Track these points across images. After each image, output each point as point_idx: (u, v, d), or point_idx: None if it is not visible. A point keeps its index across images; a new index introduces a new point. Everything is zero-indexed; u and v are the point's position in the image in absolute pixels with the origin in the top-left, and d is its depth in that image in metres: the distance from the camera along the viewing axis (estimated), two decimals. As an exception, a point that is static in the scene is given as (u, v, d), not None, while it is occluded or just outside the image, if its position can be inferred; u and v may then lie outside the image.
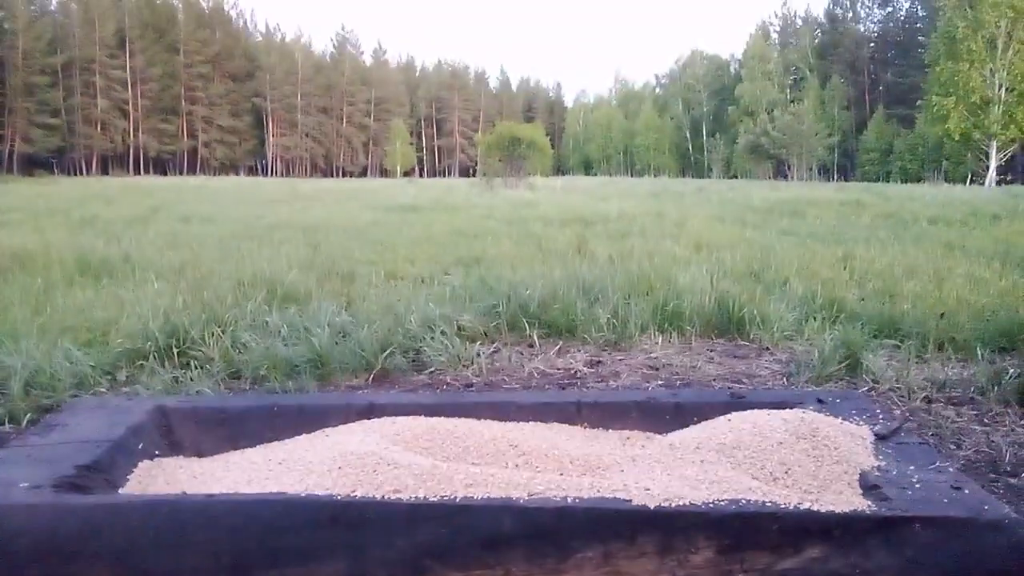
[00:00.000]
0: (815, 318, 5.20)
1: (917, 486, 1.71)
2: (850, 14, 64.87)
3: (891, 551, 1.57)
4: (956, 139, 24.77)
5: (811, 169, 50.83)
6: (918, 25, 60.59)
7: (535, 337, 4.78)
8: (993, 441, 3.21)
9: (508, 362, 4.39)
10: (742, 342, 4.92)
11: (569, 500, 1.63)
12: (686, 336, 4.92)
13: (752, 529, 1.59)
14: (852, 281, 6.34)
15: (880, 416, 2.12)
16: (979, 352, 4.35)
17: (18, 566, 1.60)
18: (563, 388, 3.95)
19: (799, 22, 67.05)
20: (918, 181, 28.29)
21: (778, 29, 67.65)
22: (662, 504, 1.61)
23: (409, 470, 1.76)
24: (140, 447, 2.07)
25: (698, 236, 9.16)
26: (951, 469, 1.81)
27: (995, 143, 24.45)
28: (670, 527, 1.60)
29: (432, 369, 4.20)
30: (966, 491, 1.69)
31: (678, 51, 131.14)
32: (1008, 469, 2.91)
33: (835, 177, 45.84)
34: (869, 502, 1.64)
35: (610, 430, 2.22)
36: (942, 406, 3.66)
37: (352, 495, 1.67)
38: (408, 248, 8.51)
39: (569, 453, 2.05)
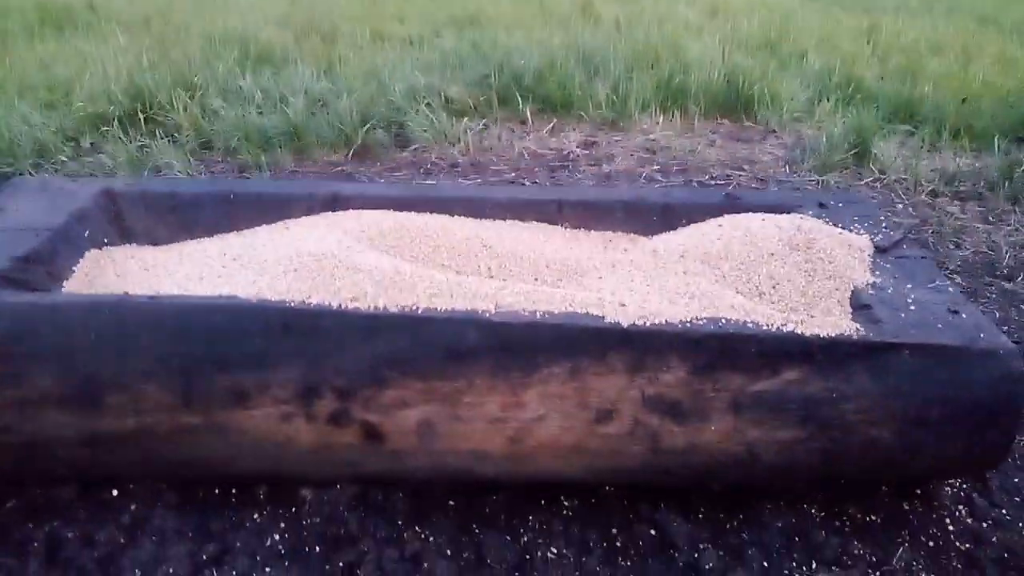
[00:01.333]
0: (829, 98, 4.86)
1: (912, 307, 1.59)
2: None
3: (874, 377, 1.48)
4: None
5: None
6: None
7: (528, 113, 4.48)
8: (994, 241, 3.09)
9: (498, 140, 4.14)
10: (748, 123, 4.64)
11: (538, 315, 1.52)
12: (689, 116, 4.62)
13: (729, 350, 1.49)
14: (874, 57, 5.88)
15: (884, 224, 1.96)
16: (996, 143, 4.11)
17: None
18: (553, 171, 3.76)
19: None
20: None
21: None
22: (636, 322, 1.50)
23: (369, 275, 1.63)
24: (87, 235, 1.92)
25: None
26: (950, 289, 1.68)
27: None
28: (642, 346, 1.50)
29: (416, 146, 3.97)
30: (963, 315, 1.57)
31: None
32: (1005, 272, 2.82)
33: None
34: (857, 324, 1.53)
35: (592, 231, 2.06)
36: (947, 200, 3.50)
37: (307, 302, 1.55)
38: (398, 2, 7.84)
39: (546, 256, 1.91)
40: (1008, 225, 3.23)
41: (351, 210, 2.03)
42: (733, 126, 4.64)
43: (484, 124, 4.31)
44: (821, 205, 2.04)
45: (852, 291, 1.68)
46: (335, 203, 2.05)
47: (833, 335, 1.48)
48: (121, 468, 1.67)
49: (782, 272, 1.72)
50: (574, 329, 1.50)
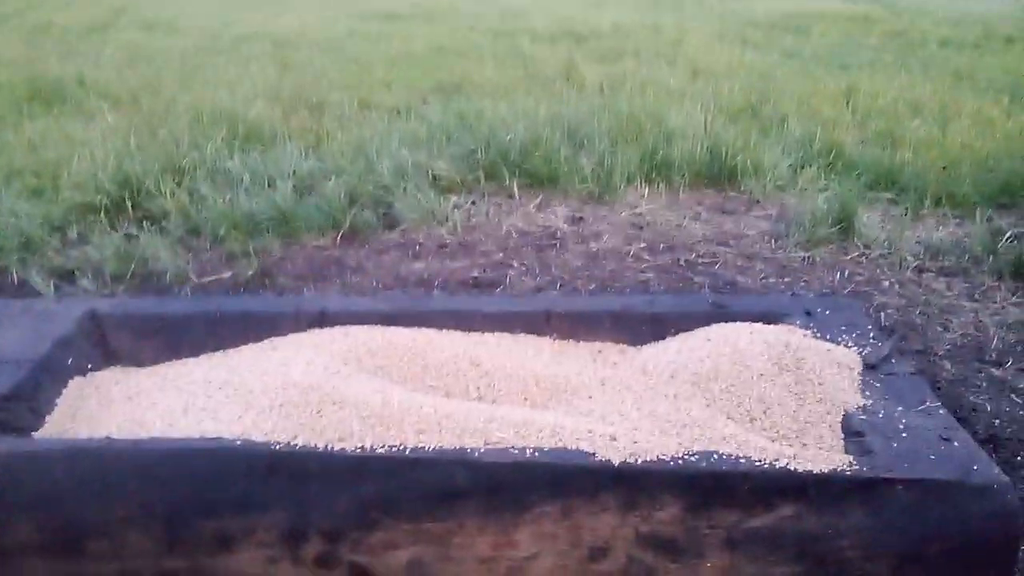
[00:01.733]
0: (811, 164, 4.93)
1: (903, 435, 1.59)
2: None
3: (869, 512, 1.47)
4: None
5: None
6: None
7: (515, 187, 4.52)
8: (982, 321, 3.11)
9: (485, 218, 4.16)
10: (732, 193, 4.68)
11: (528, 453, 1.50)
12: (674, 187, 4.67)
13: (723, 487, 1.48)
14: (853, 120, 5.98)
15: (871, 334, 1.97)
16: (977, 213, 4.16)
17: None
18: (540, 251, 3.77)
19: None
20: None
21: None
22: (627, 460, 1.49)
23: (356, 411, 1.62)
24: (70, 362, 1.90)
25: (695, 59, 8.56)
26: (941, 412, 1.68)
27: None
28: (635, 485, 1.49)
29: (404, 226, 3.99)
30: (955, 443, 1.57)
31: None
32: (994, 357, 2.83)
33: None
34: (850, 457, 1.52)
35: (580, 342, 2.06)
36: (933, 277, 3.53)
37: (293, 443, 1.53)
38: (385, 68, 7.94)
39: (535, 372, 1.91)
40: (994, 303, 3.26)
41: (338, 327, 2.02)
42: (717, 196, 4.68)
43: (472, 201, 4.34)
44: (808, 313, 2.05)
45: (843, 415, 1.67)
46: (322, 320, 2.04)
47: (826, 471, 1.48)
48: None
49: (772, 395, 1.71)
50: (564, 468, 1.49)
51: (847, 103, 6.54)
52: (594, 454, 1.51)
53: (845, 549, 1.49)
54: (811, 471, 1.47)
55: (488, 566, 1.55)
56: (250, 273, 3.40)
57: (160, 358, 2.03)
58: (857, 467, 1.49)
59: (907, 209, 4.30)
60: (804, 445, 1.61)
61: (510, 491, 1.49)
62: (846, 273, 3.54)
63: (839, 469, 1.48)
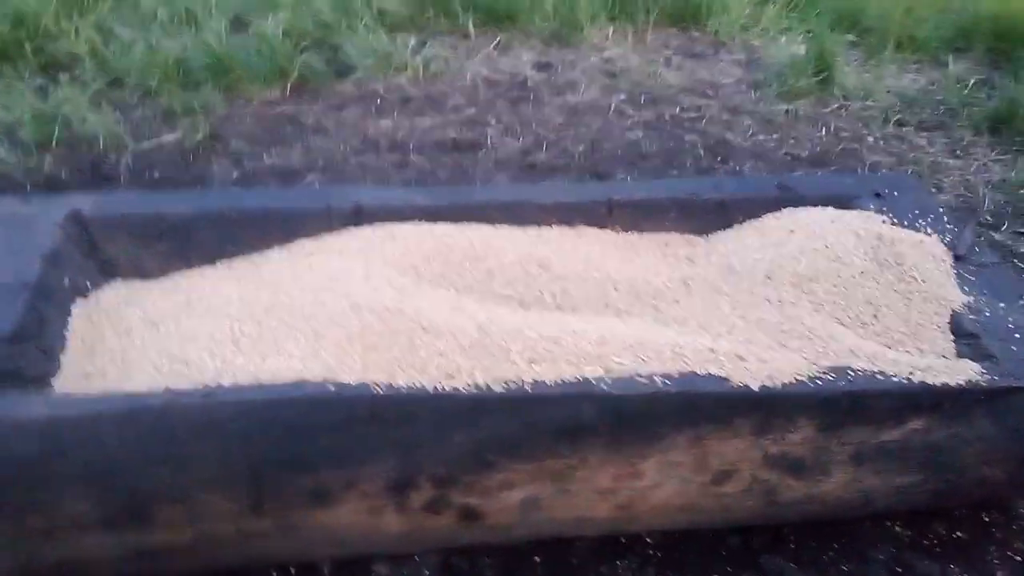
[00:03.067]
0: (772, 2, 4.70)
1: (1016, 336, 1.55)
2: None
3: (995, 420, 1.45)
4: None
5: None
6: None
7: (471, 27, 4.08)
8: (969, 180, 3.13)
9: (445, 64, 3.76)
10: (696, 34, 4.42)
11: (657, 383, 1.36)
12: (639, 28, 4.35)
13: (860, 407, 1.40)
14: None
15: (945, 218, 1.89)
16: (939, 56, 4.13)
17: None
18: (515, 104, 3.46)
19: None
20: None
21: None
22: (765, 384, 1.38)
23: (455, 340, 1.41)
24: (66, 282, 1.56)
25: None
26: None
27: None
28: (771, 410, 1.39)
29: (358, 75, 3.55)
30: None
31: None
32: (990, 220, 2.86)
33: None
34: (977, 366, 1.46)
35: (645, 234, 1.88)
36: (913, 132, 3.49)
37: (396, 386, 1.31)
38: None
39: (609, 274, 1.73)
40: (976, 160, 3.27)
41: (377, 226, 1.76)
42: (683, 37, 4.42)
43: (424, 42, 3.90)
44: (877, 195, 1.94)
45: (951, 315, 1.61)
46: (358, 217, 1.76)
47: (963, 383, 1.42)
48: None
49: (879, 296, 1.62)
50: (698, 398, 1.37)
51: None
52: (727, 379, 1.38)
53: (968, 456, 1.48)
54: (948, 384, 1.41)
55: (606, 497, 1.45)
56: (198, 137, 2.95)
57: (167, 268, 1.71)
58: (988, 376, 1.43)
59: (873, 54, 4.20)
60: (920, 351, 1.55)
61: (640, 424, 1.37)
62: (831, 128, 3.45)
63: (973, 381, 1.42)
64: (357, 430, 1.31)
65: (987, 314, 1.61)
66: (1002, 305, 1.64)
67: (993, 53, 4.33)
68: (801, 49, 4.09)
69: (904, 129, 3.50)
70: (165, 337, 1.50)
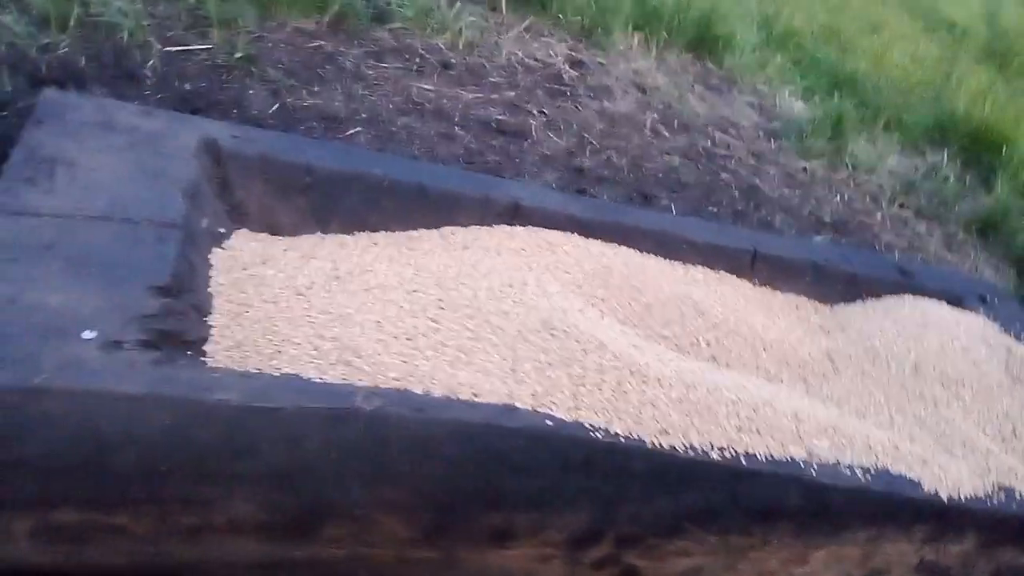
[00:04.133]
0: (777, 52, 4.79)
1: None
2: None
3: None
4: None
5: None
6: None
7: (503, 2, 3.87)
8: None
9: (480, 35, 3.54)
10: (711, 66, 4.43)
11: (862, 478, 1.30)
12: (660, 46, 4.30)
13: (1019, 528, 1.41)
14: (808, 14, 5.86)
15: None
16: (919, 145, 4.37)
17: (120, 480, 0.98)
18: (554, 98, 3.32)
19: None
20: None
21: None
22: (953, 496, 1.36)
23: (662, 390, 1.28)
24: (205, 225, 1.30)
25: None
26: None
27: None
28: (949, 521, 1.37)
29: (395, 25, 3.27)
30: None
31: None
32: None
33: None
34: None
35: (778, 292, 1.83)
36: (913, 217, 3.66)
37: (615, 435, 1.18)
38: None
39: (758, 333, 1.66)
40: (969, 258, 3.46)
41: (533, 230, 1.60)
42: (699, 66, 4.40)
43: (460, 4, 3.66)
44: (983, 299, 1.98)
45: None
46: (516, 213, 1.59)
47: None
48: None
49: (1015, 412, 1.65)
50: (898, 500, 1.32)
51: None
52: (920, 484, 1.35)
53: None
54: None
55: (764, 577, 1.39)
56: (234, 56, 2.61)
57: (300, 227, 1.47)
58: None
59: (865, 127, 4.37)
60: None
61: (833, 516, 1.31)
62: (845, 197, 3.55)
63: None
64: (569, 476, 1.16)
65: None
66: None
67: (967, 152, 4.61)
68: (802, 105, 4.20)
69: (905, 213, 3.66)
70: (320, 312, 1.28)
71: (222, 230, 1.36)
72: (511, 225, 1.59)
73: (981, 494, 1.39)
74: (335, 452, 1.06)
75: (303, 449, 1.03)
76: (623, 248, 1.66)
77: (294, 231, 1.45)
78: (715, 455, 1.23)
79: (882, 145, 4.14)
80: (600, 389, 1.27)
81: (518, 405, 1.17)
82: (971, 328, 1.79)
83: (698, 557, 1.32)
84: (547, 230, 1.60)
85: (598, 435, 1.17)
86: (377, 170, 1.52)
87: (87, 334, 1.02)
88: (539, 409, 1.18)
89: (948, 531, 1.37)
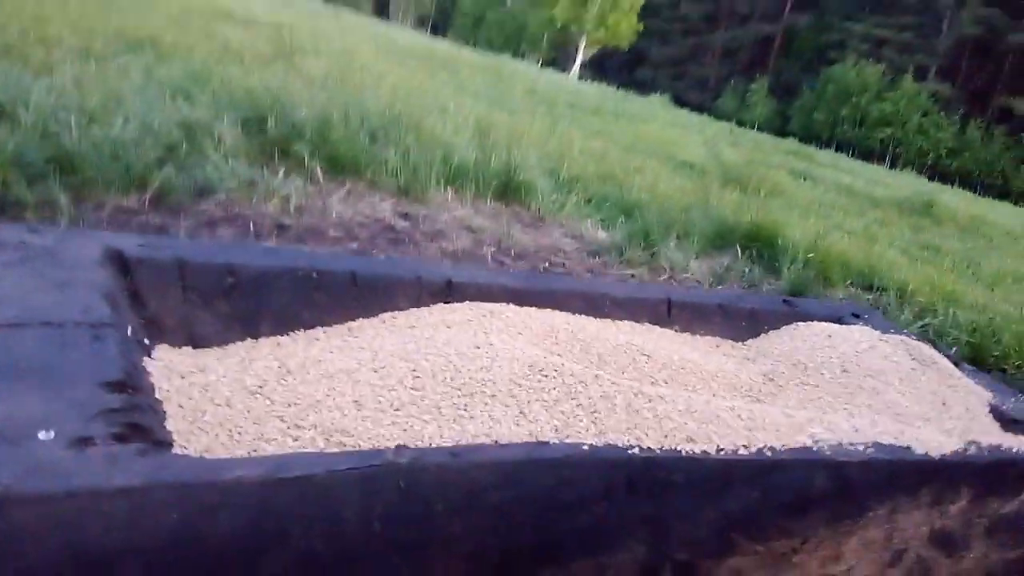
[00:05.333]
0: (570, 193, 5.24)
1: (1036, 422, 1.78)
2: None
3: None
4: (559, 26, 27.02)
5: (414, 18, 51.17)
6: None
7: (318, 170, 3.93)
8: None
9: (306, 201, 3.53)
10: (518, 208, 4.74)
11: (863, 449, 1.32)
12: (472, 196, 4.54)
13: (997, 476, 1.48)
14: (573, 155, 6.52)
15: (908, 335, 2.17)
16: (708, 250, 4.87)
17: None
18: (395, 245, 3.34)
19: None
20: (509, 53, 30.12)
21: None
22: (944, 453, 1.41)
23: (674, 408, 1.24)
24: (130, 333, 1.10)
25: (385, 70, 8.46)
26: (1025, 399, 1.92)
27: (585, 39, 27.36)
28: (946, 478, 1.41)
29: (220, 197, 3.18)
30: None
31: None
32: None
33: (432, 32, 46.55)
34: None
35: (698, 335, 1.88)
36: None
37: (649, 449, 1.10)
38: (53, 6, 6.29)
39: (701, 366, 1.68)
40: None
41: (474, 303, 1.54)
42: (509, 211, 4.68)
43: (268, 175, 3.65)
44: (856, 316, 2.18)
45: (989, 406, 1.81)
46: (449, 291, 1.53)
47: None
48: None
49: (940, 391, 1.77)
50: (903, 464, 1.35)
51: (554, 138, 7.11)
52: (911, 449, 1.39)
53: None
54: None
55: (805, 588, 1.32)
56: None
57: (227, 336, 1.30)
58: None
59: (660, 241, 4.82)
60: (989, 432, 1.70)
61: (854, 494, 1.30)
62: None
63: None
64: (613, 503, 1.07)
65: (1011, 403, 1.83)
66: (1012, 399, 1.88)
67: (749, 248, 5.21)
68: (604, 232, 4.58)
69: (727, 298, 4.00)
70: (286, 406, 1.12)
71: (146, 340, 1.16)
72: (447, 303, 1.52)
73: (959, 450, 1.46)
74: (378, 522, 0.88)
75: (340, 520, 0.85)
76: (567, 315, 1.65)
77: (220, 340, 1.28)
78: (743, 452, 1.19)
79: (685, 250, 4.56)
80: (615, 412, 1.20)
81: (548, 440, 1.07)
82: (864, 335, 1.94)
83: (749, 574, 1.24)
84: (484, 303, 1.55)
85: (635, 451, 1.09)
86: (304, 264, 1.40)
87: (44, 435, 0.80)
88: (567, 440, 1.09)
89: (947, 489, 1.41)
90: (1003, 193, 29.09)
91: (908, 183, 15.33)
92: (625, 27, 27.15)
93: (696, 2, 46.27)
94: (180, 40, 6.51)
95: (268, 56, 6.90)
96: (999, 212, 14.52)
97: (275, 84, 4.97)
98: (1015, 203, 22.86)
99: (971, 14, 37.11)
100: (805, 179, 10.51)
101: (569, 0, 26.31)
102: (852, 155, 26.57)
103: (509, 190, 4.82)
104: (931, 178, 21.90)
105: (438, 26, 59.31)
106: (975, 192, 22.17)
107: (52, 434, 0.80)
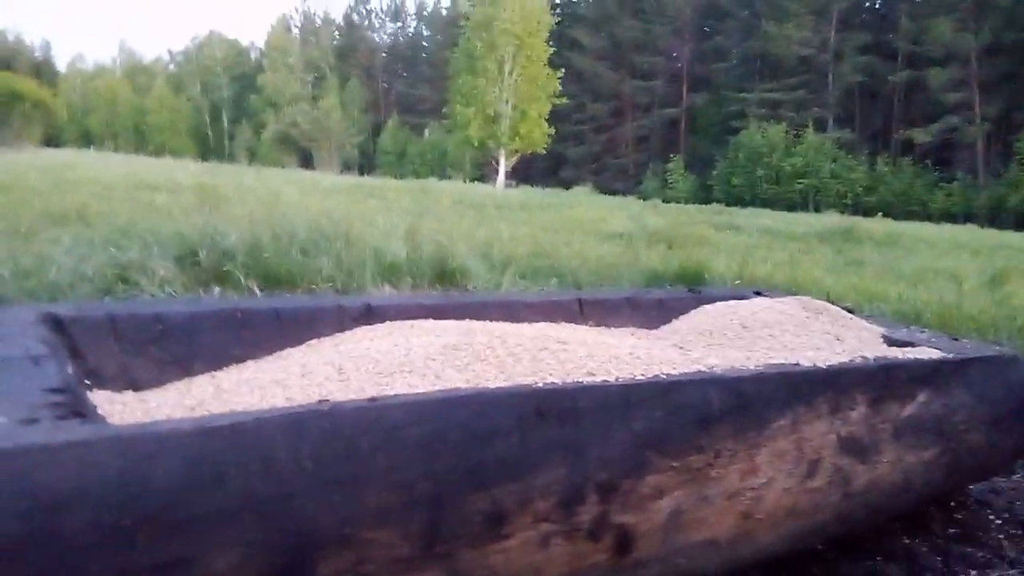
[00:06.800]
0: (500, 271, 5.47)
1: (934, 340, 1.95)
2: (366, 22, 69.08)
3: (967, 390, 1.77)
4: (476, 145, 28.17)
5: (339, 164, 52.76)
6: (424, 43, 67.41)
7: (256, 288, 4.06)
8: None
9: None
10: (456, 290, 4.91)
11: (754, 367, 1.46)
12: (410, 287, 4.71)
13: (890, 381, 1.63)
14: (504, 241, 6.80)
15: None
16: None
17: (76, 552, 0.82)
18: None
19: (319, 21, 68.84)
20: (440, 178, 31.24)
21: (299, 24, 68.44)
22: (831, 364, 1.56)
23: (575, 351, 1.38)
24: (71, 372, 1.20)
25: (312, 204, 8.76)
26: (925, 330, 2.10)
27: (504, 152, 28.53)
28: (838, 386, 1.55)
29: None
30: (965, 343, 1.99)
31: (193, 29, 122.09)
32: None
33: (359, 173, 48.01)
34: (938, 352, 1.80)
35: (612, 327, 2.03)
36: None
37: (552, 384, 1.23)
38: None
39: (616, 347, 1.82)
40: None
41: (397, 323, 1.68)
42: (449, 291, 4.85)
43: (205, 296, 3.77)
44: (758, 293, 2.36)
45: (882, 336, 1.98)
46: (369, 316, 1.67)
47: (943, 357, 1.74)
48: None
49: (834, 329, 1.95)
50: (794, 375, 1.49)
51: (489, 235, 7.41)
52: (799, 364, 1.54)
53: (960, 424, 1.76)
54: (933, 358, 1.72)
55: (734, 503, 1.44)
56: None
57: (162, 377, 1.41)
58: (952, 354, 1.78)
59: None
60: (879, 351, 1.86)
61: (753, 408, 1.44)
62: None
63: (947, 356, 1.75)
64: (530, 430, 1.19)
65: (903, 332, 2.01)
66: (907, 328, 2.06)
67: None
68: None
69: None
70: (230, 409, 1.23)
71: (88, 381, 1.26)
72: (370, 326, 1.65)
73: (847, 361, 1.61)
74: (308, 461, 0.99)
75: (273, 464, 0.95)
76: (474, 321, 1.78)
77: (157, 382, 1.38)
78: (640, 378, 1.32)
79: (620, 299, 4.77)
80: (521, 362, 1.32)
81: (462, 386, 1.19)
82: (762, 302, 2.12)
83: (673, 495, 1.33)
84: (411, 321, 1.68)
85: (539, 385, 1.22)
86: (227, 306, 1.52)
87: (-1, 419, 0.90)
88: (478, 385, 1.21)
89: (842, 396, 1.54)
90: (926, 217, 30.62)
91: (829, 220, 16.14)
92: (538, 134, 28.49)
93: (601, 102, 48.87)
94: (105, 208, 6.72)
95: (194, 208, 7.12)
96: (917, 228, 15.31)
97: (203, 224, 5.16)
98: (936, 223, 24.09)
99: (850, 65, 39.92)
100: (729, 230, 11.03)
101: (481, 120, 27.59)
102: (776, 209, 27.84)
103: (445, 275, 5.02)
104: (854, 215, 23.04)
105: (364, 167, 61.10)
106: (898, 220, 23.35)
107: (2, 419, 0.90)
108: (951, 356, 1.77)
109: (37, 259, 3.74)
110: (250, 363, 1.48)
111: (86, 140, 61.83)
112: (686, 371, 1.42)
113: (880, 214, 24.71)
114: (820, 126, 40.21)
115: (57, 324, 1.34)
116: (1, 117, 24.64)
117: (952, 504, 1.93)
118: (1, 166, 14.07)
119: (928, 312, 4.25)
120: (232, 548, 0.93)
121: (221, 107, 64.89)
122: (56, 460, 0.84)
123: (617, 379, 1.31)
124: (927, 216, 31.44)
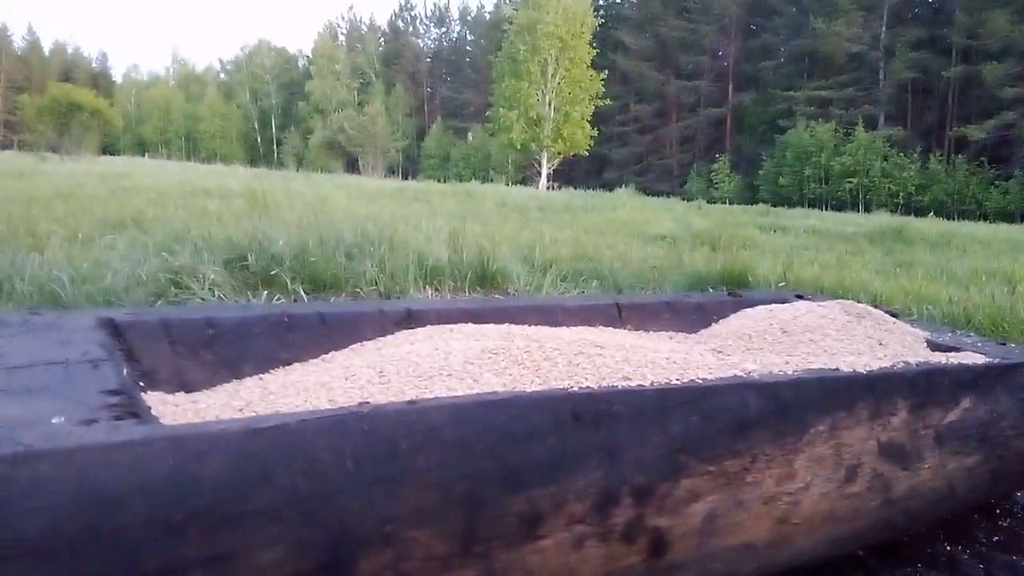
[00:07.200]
0: (540, 272, 5.49)
1: (979, 344, 1.92)
2: (411, 28, 69.78)
3: (1013, 395, 1.73)
4: (518, 148, 28.35)
5: (384, 168, 53.40)
6: (467, 48, 67.83)
7: (301, 292, 4.16)
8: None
9: (293, 316, 3.74)
10: (497, 293, 4.95)
11: (796, 373, 1.46)
12: (451, 290, 4.77)
13: (932, 386, 1.61)
14: (545, 243, 6.83)
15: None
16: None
17: (130, 547, 0.87)
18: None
19: (364, 28, 69.79)
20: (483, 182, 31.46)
21: (345, 32, 69.50)
22: (872, 369, 1.55)
23: (612, 356, 1.40)
24: (126, 373, 1.27)
25: (357, 208, 8.91)
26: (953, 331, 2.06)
27: (546, 154, 28.65)
28: (879, 392, 1.54)
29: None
30: (1012, 348, 1.95)
31: (243, 39, 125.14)
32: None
33: (402, 177, 48.55)
34: (983, 357, 1.78)
35: (651, 331, 2.05)
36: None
37: (588, 388, 1.25)
38: (38, 209, 6.74)
39: (655, 351, 1.83)
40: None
41: (438, 327, 1.72)
42: (490, 295, 4.90)
43: (253, 300, 3.87)
44: (799, 297, 2.34)
45: (926, 341, 1.95)
46: (409, 320, 1.71)
47: (989, 363, 1.71)
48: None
49: (876, 334, 1.93)
50: (832, 381, 1.49)
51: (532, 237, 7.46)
52: (839, 370, 1.53)
53: (1007, 430, 1.72)
54: (978, 363, 1.69)
55: (769, 508, 1.44)
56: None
57: (213, 379, 1.47)
58: (996, 359, 1.75)
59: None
60: (922, 356, 1.83)
61: (791, 412, 1.44)
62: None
63: (992, 362, 1.72)
64: (566, 433, 1.21)
65: (947, 336, 1.98)
66: (950, 334, 2.02)
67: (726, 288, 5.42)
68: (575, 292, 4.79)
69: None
70: (279, 409, 1.28)
71: (142, 383, 1.32)
72: (410, 330, 1.69)
73: (888, 367, 1.59)
74: (350, 461, 1.03)
75: (317, 464, 0.99)
76: (524, 327, 1.82)
77: (209, 384, 1.44)
78: (676, 382, 1.34)
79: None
80: (557, 366, 1.35)
81: (499, 390, 1.22)
82: (803, 305, 2.11)
83: (708, 499, 1.34)
84: (451, 325, 1.72)
85: (575, 389, 1.24)
86: (275, 312, 1.58)
87: (56, 419, 0.96)
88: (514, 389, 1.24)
89: (883, 401, 1.53)
90: (981, 216, 29.76)
91: (879, 219, 15.79)
92: (580, 136, 28.51)
93: (645, 102, 48.58)
94: (160, 214, 6.93)
95: (244, 213, 7.30)
96: (971, 228, 14.88)
97: (252, 228, 5.30)
98: (991, 223, 23.38)
99: (902, 61, 38.99)
100: (775, 231, 10.88)
101: (524, 123, 27.72)
102: (824, 209, 27.32)
103: (485, 279, 5.06)
104: (905, 215, 22.51)
105: (407, 171, 61.69)
106: (951, 220, 22.74)
107: (63, 419, 0.96)
108: (997, 361, 1.74)
109: (94, 264, 3.89)
110: (296, 366, 1.54)
111: (140, 148, 63.76)
112: (723, 375, 1.42)
113: (932, 213, 24.11)
114: (870, 124, 39.35)
115: (114, 329, 1.40)
116: (61, 127, 25.54)
117: (997, 511, 1.89)
118: (61, 174, 14.62)
119: (979, 315, 4.14)
120: (277, 544, 0.97)
121: (270, 114, 66.23)
122: (112, 459, 0.90)
123: (653, 383, 1.33)
124: (982, 215, 30.54)
